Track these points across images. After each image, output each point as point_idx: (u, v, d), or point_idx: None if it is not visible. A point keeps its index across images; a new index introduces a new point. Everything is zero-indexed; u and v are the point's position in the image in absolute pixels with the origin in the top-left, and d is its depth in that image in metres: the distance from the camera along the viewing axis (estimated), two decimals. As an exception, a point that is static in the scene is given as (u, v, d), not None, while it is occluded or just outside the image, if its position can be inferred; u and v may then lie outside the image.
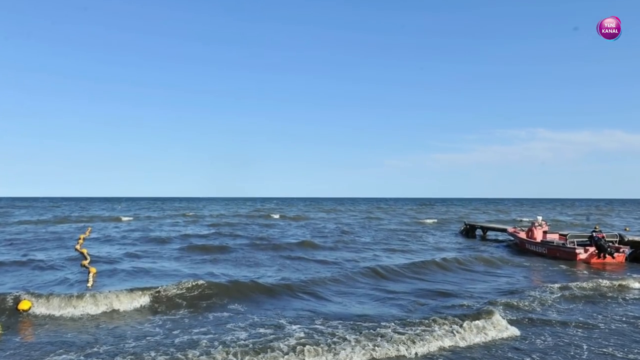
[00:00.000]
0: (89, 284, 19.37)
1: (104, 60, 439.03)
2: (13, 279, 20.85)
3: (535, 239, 33.52)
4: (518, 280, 22.71)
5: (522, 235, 35.93)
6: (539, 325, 14.48)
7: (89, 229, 49.57)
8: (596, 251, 28.60)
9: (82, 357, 11.30)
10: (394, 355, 11.77)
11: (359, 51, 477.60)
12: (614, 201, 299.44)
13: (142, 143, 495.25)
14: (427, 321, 13.90)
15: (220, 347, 11.64)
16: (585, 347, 12.52)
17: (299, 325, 13.74)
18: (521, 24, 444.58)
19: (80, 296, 16.17)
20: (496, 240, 42.14)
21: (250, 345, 11.67)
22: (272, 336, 12.52)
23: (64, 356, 11.39)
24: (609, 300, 18.24)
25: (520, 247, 35.00)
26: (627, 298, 18.61)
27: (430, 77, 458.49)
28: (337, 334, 12.74)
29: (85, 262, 24.72)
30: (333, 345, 11.75)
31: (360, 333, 12.70)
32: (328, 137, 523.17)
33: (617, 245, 29.37)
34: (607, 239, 29.23)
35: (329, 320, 14.49)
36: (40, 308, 15.54)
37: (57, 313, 15.30)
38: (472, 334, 13.14)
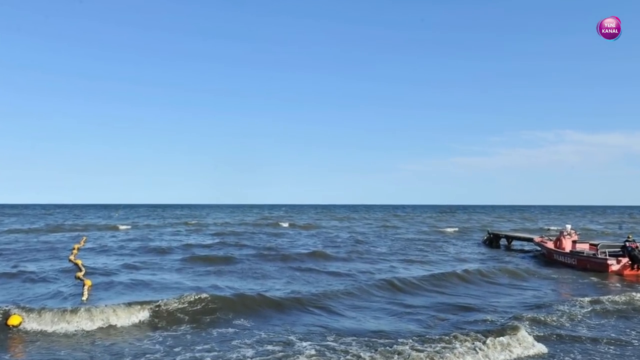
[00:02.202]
0: (84, 298, 19.44)
1: (100, 57, 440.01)
2: (2, 292, 20.95)
3: (563, 249, 33.40)
4: (545, 293, 22.65)
5: (550, 245, 35.82)
6: (568, 342, 14.43)
7: (84, 238, 49.79)
8: (629, 262, 28.47)
9: (77, 376, 11.33)
10: (411, 374, 11.74)
11: (374, 47, 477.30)
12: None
13: (140, 146, 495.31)
14: (447, 337, 13.86)
15: (225, 365, 11.65)
16: (618, 365, 12.46)
17: (309, 342, 13.74)
18: (549, 17, 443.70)
19: (74, 311, 16.21)
20: (522, 251, 42.06)
21: (257, 364, 11.68)
22: (280, 354, 12.52)
23: (57, 375, 11.43)
24: (644, 315, 18.16)
25: (548, 258, 34.88)
26: (664, 313, 18.52)
27: (451, 74, 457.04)
28: (350, 351, 12.74)
29: (80, 274, 24.83)
30: (346, 364, 11.73)
31: (376, 350, 12.68)
32: (340, 140, 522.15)
33: (652, 255, 29.22)
34: (641, 249, 29.10)
35: (342, 336, 14.48)
36: (31, 323, 15.59)
37: (49, 329, 15.35)
38: (496, 352, 13.09)
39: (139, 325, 15.98)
